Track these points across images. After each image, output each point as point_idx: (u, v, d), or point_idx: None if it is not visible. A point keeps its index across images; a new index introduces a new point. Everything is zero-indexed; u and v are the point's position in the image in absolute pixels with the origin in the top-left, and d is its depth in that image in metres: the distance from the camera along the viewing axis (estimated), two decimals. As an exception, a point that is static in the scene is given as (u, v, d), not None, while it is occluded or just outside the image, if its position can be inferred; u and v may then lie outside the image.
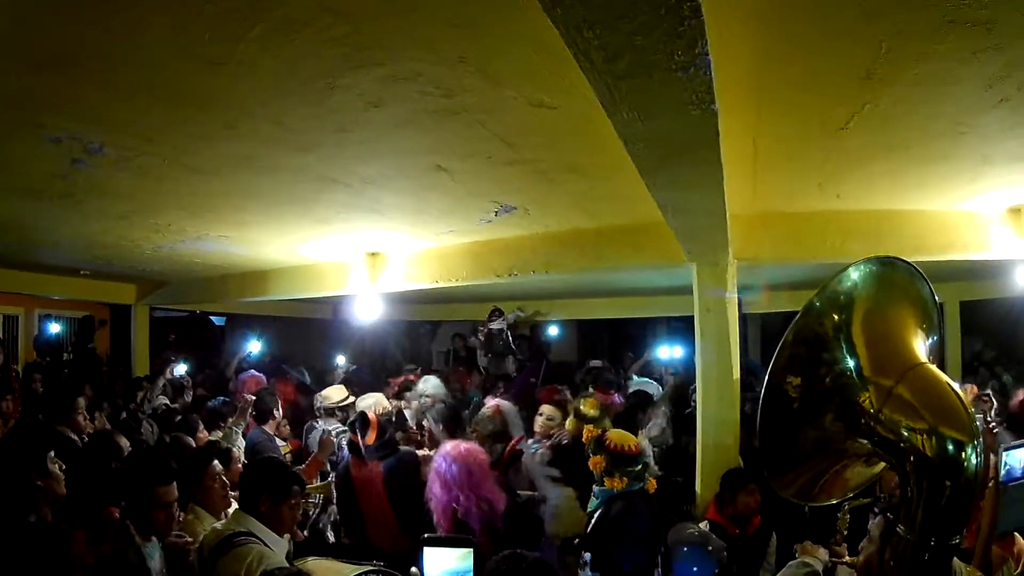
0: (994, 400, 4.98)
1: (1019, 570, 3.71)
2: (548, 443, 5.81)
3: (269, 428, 6.68)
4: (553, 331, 14.67)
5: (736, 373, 5.74)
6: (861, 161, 4.59)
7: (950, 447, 2.19)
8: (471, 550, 3.01)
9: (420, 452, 5.88)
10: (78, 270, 10.15)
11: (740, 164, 4.32)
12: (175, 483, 3.66)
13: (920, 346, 2.54)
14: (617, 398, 7.49)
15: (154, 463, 3.74)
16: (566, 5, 1.86)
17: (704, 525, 4.71)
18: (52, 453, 3.66)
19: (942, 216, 5.78)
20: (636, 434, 6.04)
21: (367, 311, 8.34)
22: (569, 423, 5.91)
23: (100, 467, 4.45)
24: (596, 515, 4.42)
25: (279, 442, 6.79)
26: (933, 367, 2.47)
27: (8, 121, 3.89)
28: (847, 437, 2.51)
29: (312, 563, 3.54)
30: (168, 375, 9.19)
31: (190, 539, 3.76)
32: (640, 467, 4.47)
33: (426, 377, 8.20)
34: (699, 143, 2.95)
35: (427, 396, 7.65)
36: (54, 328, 13.23)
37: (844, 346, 2.55)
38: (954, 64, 3.13)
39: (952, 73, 3.22)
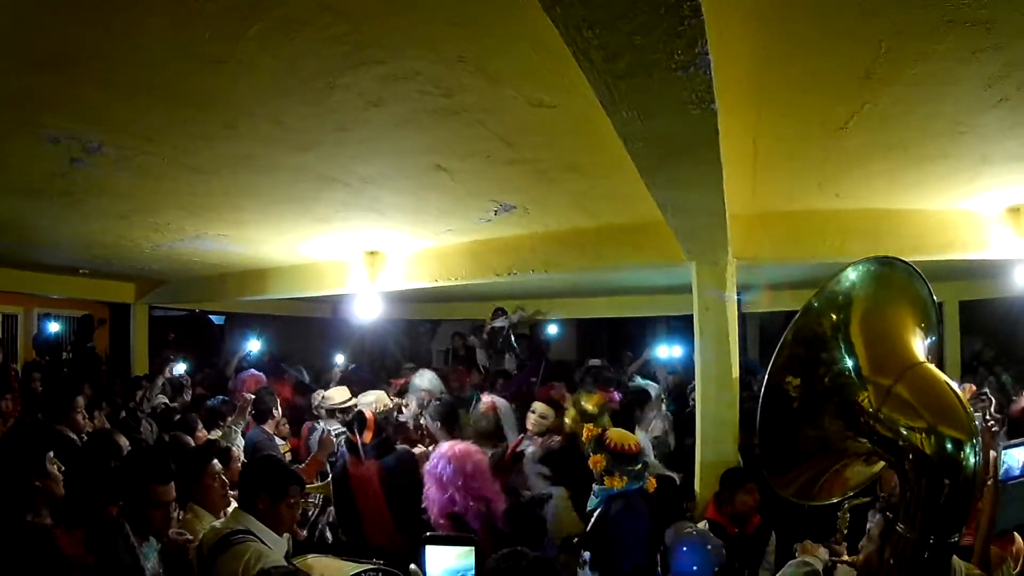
0: (992, 399, 4.98)
1: (1018, 570, 3.72)
2: (540, 441, 5.82)
3: (268, 427, 6.67)
4: (552, 330, 14.67)
5: (735, 372, 5.74)
6: (860, 160, 4.59)
7: (949, 446, 2.20)
8: (472, 548, 3.01)
9: (417, 450, 5.89)
10: (77, 269, 10.15)
11: (740, 163, 4.32)
12: (172, 483, 3.66)
13: (919, 345, 2.55)
14: (616, 396, 7.50)
15: (151, 463, 3.73)
16: (566, 4, 1.86)
17: (703, 524, 4.71)
18: (51, 453, 3.65)
19: (941, 215, 5.79)
20: (634, 431, 6.06)
21: (366, 310, 8.34)
22: (569, 416, 5.92)
23: (99, 466, 4.45)
24: (596, 514, 4.42)
25: (278, 441, 6.79)
26: (932, 366, 2.48)
27: (7, 121, 3.89)
28: (846, 436, 2.52)
29: (312, 560, 3.54)
30: (167, 374, 9.19)
31: (190, 536, 3.76)
32: (640, 466, 4.47)
33: (421, 372, 8.18)
34: (699, 142, 2.95)
35: (423, 390, 7.66)
36: (53, 327, 13.23)
37: (843, 346, 2.55)
38: (953, 64, 3.13)
39: (951, 73, 3.23)
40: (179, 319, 14.92)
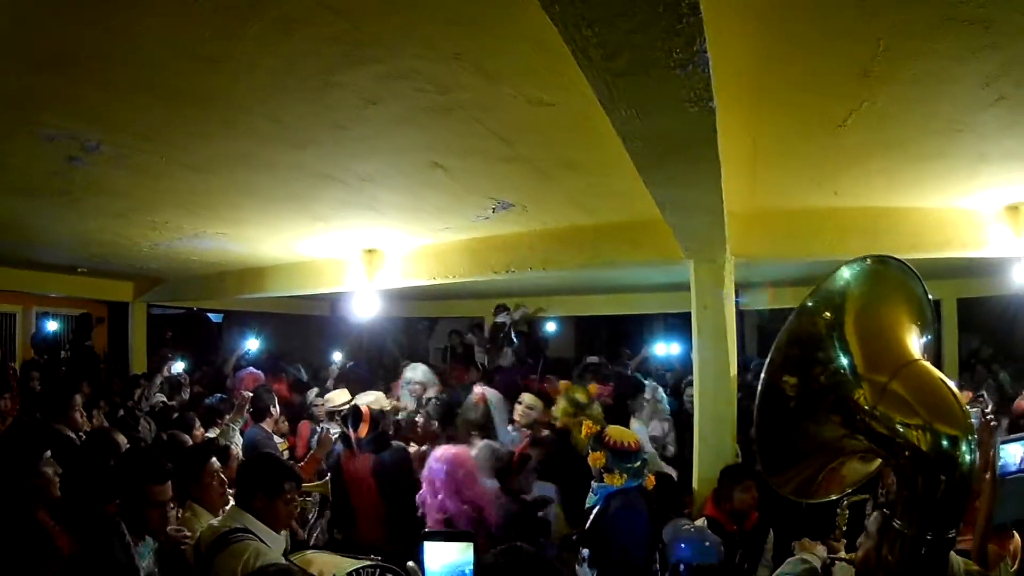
0: (988, 400, 4.98)
1: (1016, 567, 3.73)
2: (529, 434, 5.84)
3: (267, 425, 6.67)
4: (551, 328, 14.68)
5: (733, 370, 5.75)
6: (859, 159, 4.60)
7: (944, 442, 2.20)
8: (471, 544, 3.02)
9: (412, 448, 5.90)
10: (75, 268, 10.14)
11: (738, 161, 4.32)
12: (169, 483, 3.65)
13: (914, 343, 2.54)
14: (608, 388, 7.51)
15: (148, 462, 3.72)
16: (565, 2, 1.86)
17: (702, 521, 4.72)
18: (48, 454, 3.64)
19: (939, 213, 5.79)
20: (628, 422, 6.07)
21: (364, 308, 8.34)
22: (559, 409, 5.91)
23: (98, 465, 4.45)
24: (595, 511, 4.42)
25: (276, 439, 6.79)
26: (927, 364, 2.48)
27: (6, 120, 3.90)
28: (843, 434, 2.52)
29: (311, 556, 3.55)
30: (165, 372, 9.18)
31: (188, 534, 3.75)
32: (639, 463, 4.47)
33: (414, 365, 8.18)
34: (697, 140, 2.95)
35: (417, 383, 7.66)
36: (51, 326, 13.23)
37: (838, 344, 2.55)
38: (951, 62, 3.13)
39: (949, 71, 3.23)
40: (177, 317, 14.93)
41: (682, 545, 4.13)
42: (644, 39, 2.02)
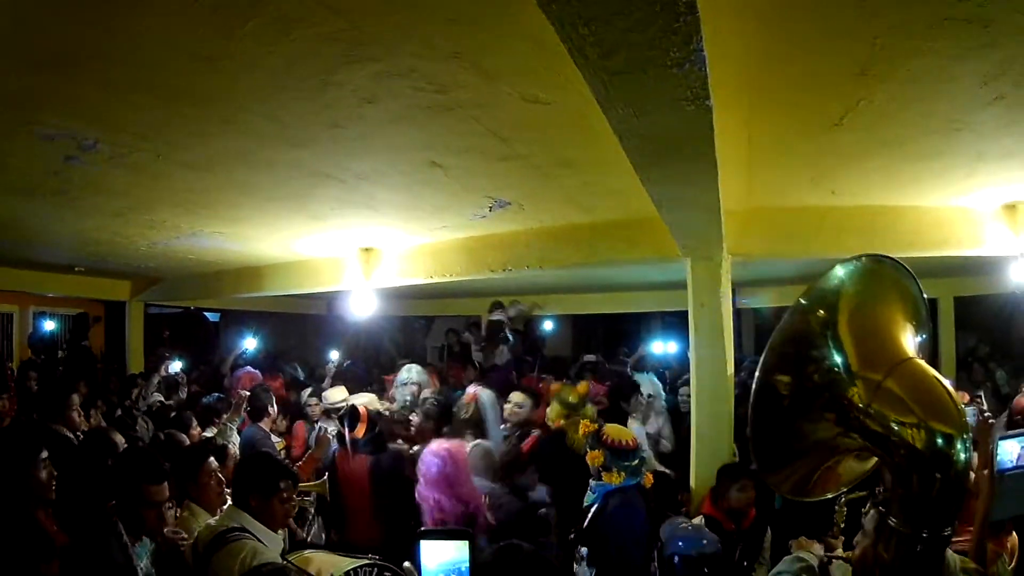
0: (984, 400, 4.99)
1: (1013, 565, 3.73)
2: (519, 434, 5.85)
3: (265, 424, 6.67)
4: (548, 326, 14.69)
5: (730, 368, 5.75)
6: (855, 157, 4.60)
7: (939, 440, 2.21)
8: (467, 542, 3.01)
9: (405, 446, 5.92)
10: (72, 267, 10.13)
11: (735, 160, 4.32)
12: (166, 483, 3.64)
13: (909, 342, 2.55)
14: (601, 388, 7.53)
15: (144, 462, 3.72)
16: (561, 1, 1.86)
17: (699, 520, 4.72)
18: (44, 455, 3.63)
19: (937, 212, 5.80)
20: (625, 423, 6.08)
21: (361, 307, 8.33)
22: (553, 411, 5.93)
23: (96, 464, 4.44)
24: (593, 510, 4.42)
25: (274, 438, 6.79)
26: (922, 362, 2.48)
27: (5, 120, 3.89)
28: (837, 432, 2.52)
29: (309, 555, 3.54)
30: (163, 372, 9.19)
31: (185, 535, 3.75)
32: (637, 461, 4.47)
33: (409, 366, 8.20)
34: (694, 139, 2.95)
35: (413, 383, 7.67)
36: (49, 325, 13.24)
37: (832, 342, 2.55)
38: (950, 61, 3.14)
39: (947, 70, 3.23)
40: (174, 316, 14.93)
41: (680, 543, 4.14)
42: (641, 37, 2.02)
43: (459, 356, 12.61)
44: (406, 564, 3.12)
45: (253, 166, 4.76)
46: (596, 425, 4.67)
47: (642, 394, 7.43)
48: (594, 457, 4.47)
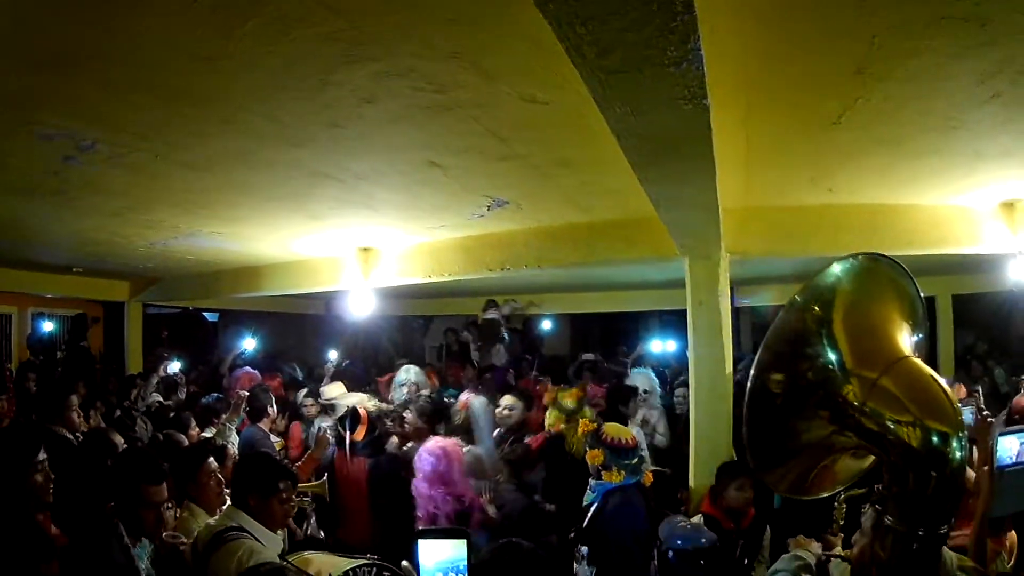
0: (981, 395, 4.99)
1: (1012, 563, 3.74)
2: (506, 436, 5.87)
3: (264, 425, 6.68)
4: (546, 325, 14.70)
5: (729, 367, 5.75)
6: (853, 156, 4.60)
7: (935, 439, 2.21)
8: (464, 541, 3.02)
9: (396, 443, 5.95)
10: (71, 267, 10.12)
11: (732, 158, 4.33)
12: (164, 484, 3.64)
13: (905, 341, 2.56)
14: (600, 391, 7.54)
15: (143, 463, 3.72)
16: (559, 1, 1.86)
17: (698, 518, 4.72)
18: (42, 457, 3.61)
19: (934, 210, 5.80)
20: (625, 424, 6.09)
21: (360, 306, 8.32)
22: (552, 416, 5.94)
23: (96, 465, 4.45)
24: (593, 509, 4.43)
25: (274, 438, 6.79)
26: (918, 361, 2.49)
27: (5, 120, 3.89)
28: (832, 431, 2.53)
29: (309, 556, 3.54)
30: (161, 372, 9.19)
31: (184, 539, 3.75)
32: (637, 460, 4.48)
33: (407, 367, 8.22)
34: (691, 138, 2.95)
35: (412, 383, 7.69)
36: (47, 326, 13.23)
37: (827, 340, 2.56)
38: (947, 59, 3.14)
39: (945, 69, 3.24)
40: (173, 317, 14.92)
41: (678, 541, 4.15)
42: (638, 37, 2.02)
43: (458, 355, 12.62)
44: (404, 563, 3.13)
45: (252, 166, 4.76)
46: (595, 424, 4.68)
47: (638, 394, 7.44)
48: (594, 456, 4.48)
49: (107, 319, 13.78)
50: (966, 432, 2.27)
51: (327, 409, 7.22)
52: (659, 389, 8.30)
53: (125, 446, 5.20)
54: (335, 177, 5.02)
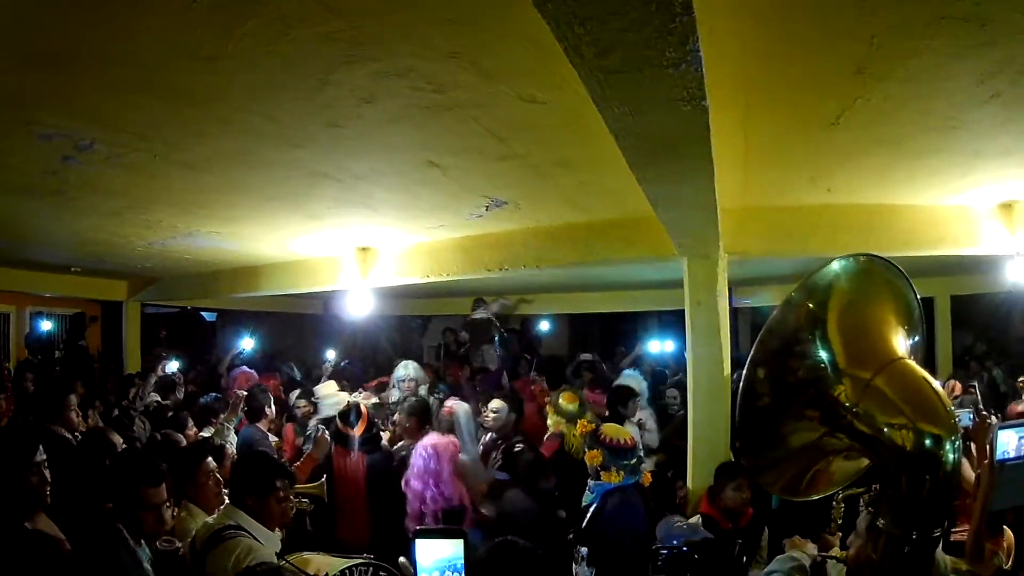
0: (978, 391, 4.99)
1: (1009, 563, 3.74)
2: (497, 440, 5.88)
3: (262, 425, 6.67)
4: (544, 326, 14.69)
5: (727, 367, 5.75)
6: (852, 155, 4.60)
7: (928, 441, 2.21)
8: (461, 540, 3.02)
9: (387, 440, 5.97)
10: (69, 267, 10.11)
11: (731, 159, 4.32)
12: (164, 485, 3.63)
13: (900, 343, 2.55)
14: (602, 398, 7.55)
15: (142, 464, 3.71)
16: (557, 1, 1.86)
17: (696, 519, 4.72)
18: (39, 458, 3.60)
19: (933, 211, 5.80)
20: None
21: (358, 306, 8.32)
22: (552, 420, 5.95)
23: (95, 465, 4.44)
24: (592, 509, 4.43)
25: (272, 438, 6.79)
26: (912, 363, 2.48)
27: (4, 120, 3.89)
28: (823, 433, 2.53)
29: (308, 556, 3.54)
30: (160, 372, 9.18)
31: (179, 544, 3.74)
32: (635, 460, 4.48)
33: (405, 362, 8.21)
34: (690, 138, 2.95)
35: (411, 379, 7.69)
36: (45, 325, 13.21)
37: (820, 339, 2.56)
38: (947, 59, 3.14)
39: (945, 68, 3.24)
40: (171, 316, 14.89)
41: (674, 541, 4.14)
42: (637, 37, 2.02)
43: (456, 355, 12.61)
44: (401, 560, 3.14)
45: (251, 166, 4.75)
46: (593, 425, 4.69)
47: (637, 395, 7.45)
48: (592, 457, 4.49)
49: (105, 318, 13.76)
50: (960, 434, 2.27)
51: (319, 409, 7.24)
52: (646, 392, 8.31)
53: (124, 446, 5.19)
54: (334, 177, 5.02)
